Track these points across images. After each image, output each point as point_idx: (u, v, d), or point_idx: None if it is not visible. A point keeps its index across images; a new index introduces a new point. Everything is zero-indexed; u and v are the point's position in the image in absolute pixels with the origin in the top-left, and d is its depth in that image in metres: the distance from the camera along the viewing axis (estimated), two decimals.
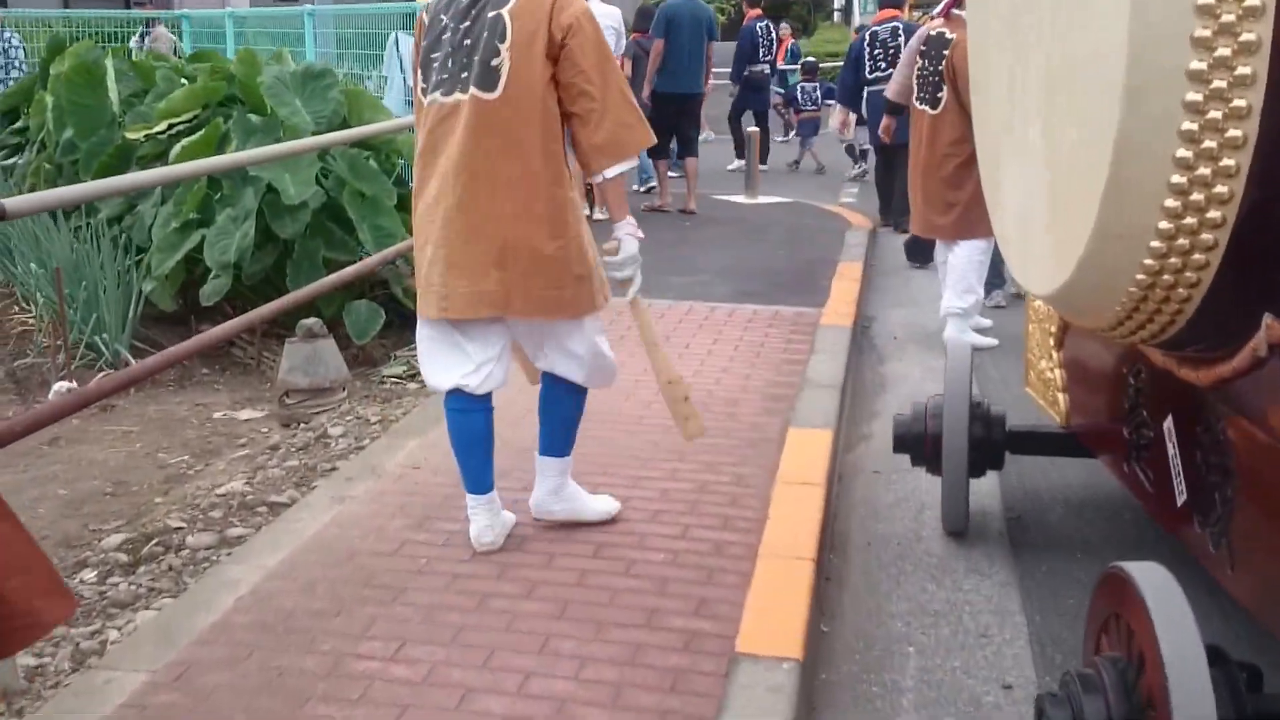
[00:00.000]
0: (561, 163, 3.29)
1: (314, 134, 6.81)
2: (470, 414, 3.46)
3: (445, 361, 3.44)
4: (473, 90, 3.23)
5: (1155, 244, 2.29)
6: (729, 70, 13.13)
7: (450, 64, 3.27)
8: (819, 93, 13.75)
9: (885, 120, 7.90)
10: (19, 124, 8.93)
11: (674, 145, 10.10)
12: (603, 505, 3.74)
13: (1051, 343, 3.64)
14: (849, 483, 4.52)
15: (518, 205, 3.25)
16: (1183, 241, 2.27)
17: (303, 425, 5.11)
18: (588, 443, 3.95)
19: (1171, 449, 2.86)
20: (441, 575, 3.39)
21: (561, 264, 3.30)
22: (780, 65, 15.07)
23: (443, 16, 3.33)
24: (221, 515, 4.02)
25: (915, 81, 6.20)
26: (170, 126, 7.07)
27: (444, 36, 3.31)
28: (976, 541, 3.95)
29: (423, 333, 3.49)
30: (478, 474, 3.49)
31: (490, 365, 3.43)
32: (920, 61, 6.18)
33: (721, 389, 5.16)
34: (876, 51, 9.19)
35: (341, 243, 6.42)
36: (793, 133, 14.46)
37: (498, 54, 3.21)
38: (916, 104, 6.19)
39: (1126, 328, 2.56)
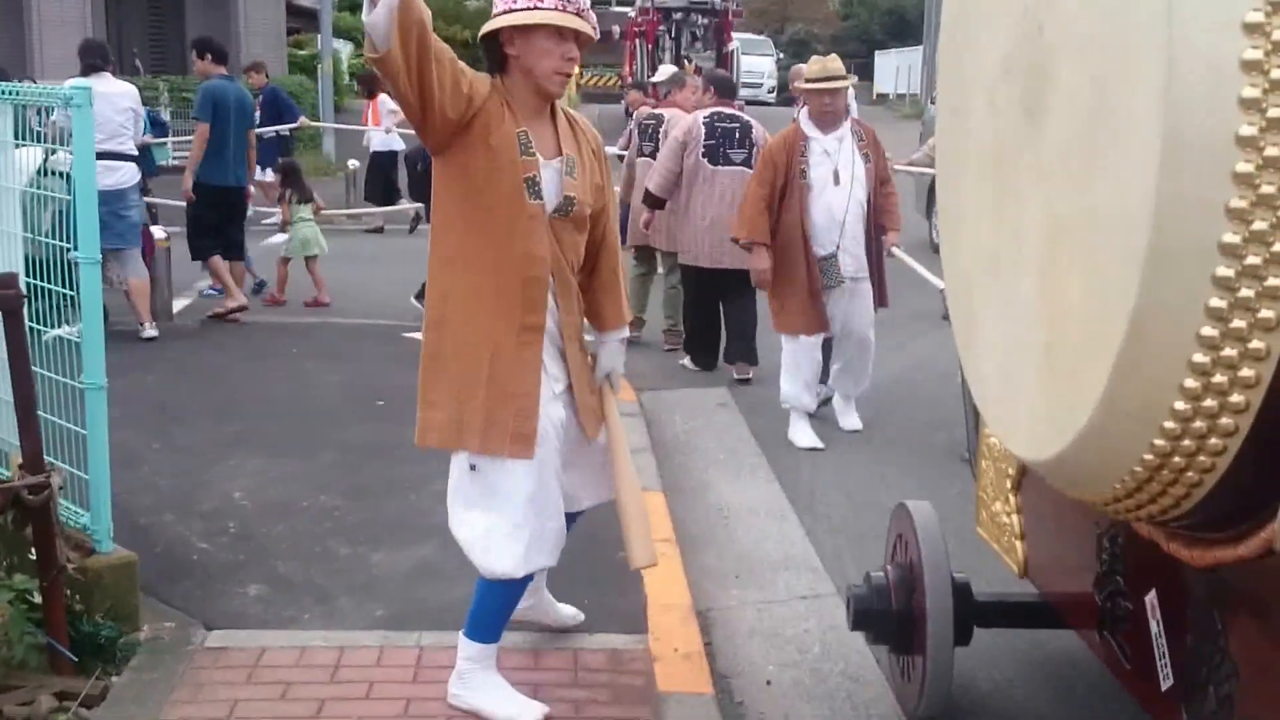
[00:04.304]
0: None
1: None
2: None
3: None
4: None
5: (1168, 424, 2.05)
6: None
7: None
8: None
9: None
10: None
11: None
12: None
13: (1008, 485, 3.35)
14: None
15: None
16: (1199, 424, 2.03)
17: None
18: None
19: (1155, 627, 2.62)
20: None
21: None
22: None
23: None
24: None
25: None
26: None
27: None
28: None
29: None
30: None
31: None
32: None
33: None
34: None
35: None
36: None
37: None
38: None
39: (1125, 505, 2.31)
